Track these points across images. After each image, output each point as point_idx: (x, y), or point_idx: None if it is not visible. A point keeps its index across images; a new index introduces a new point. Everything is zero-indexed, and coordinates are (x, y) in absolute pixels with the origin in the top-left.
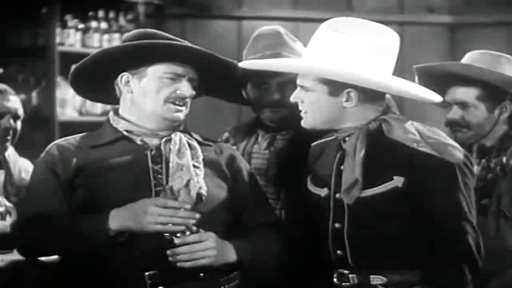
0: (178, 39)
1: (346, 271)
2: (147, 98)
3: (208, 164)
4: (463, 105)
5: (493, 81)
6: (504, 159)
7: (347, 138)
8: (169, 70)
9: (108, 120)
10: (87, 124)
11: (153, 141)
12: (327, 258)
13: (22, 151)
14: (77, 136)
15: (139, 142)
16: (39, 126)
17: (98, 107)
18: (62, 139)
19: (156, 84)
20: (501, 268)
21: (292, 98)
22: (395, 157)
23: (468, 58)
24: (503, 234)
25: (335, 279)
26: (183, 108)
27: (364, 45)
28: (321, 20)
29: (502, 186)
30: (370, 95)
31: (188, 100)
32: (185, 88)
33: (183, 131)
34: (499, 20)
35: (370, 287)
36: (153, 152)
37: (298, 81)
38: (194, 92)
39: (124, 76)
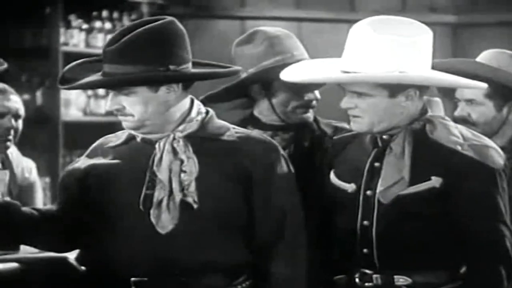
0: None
1: (369, 271)
2: None
3: (215, 164)
4: (471, 102)
5: (500, 80)
6: None
7: (384, 136)
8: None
9: None
10: (91, 124)
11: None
12: (344, 256)
13: (26, 151)
14: (116, 134)
15: (139, 140)
16: (43, 126)
17: (102, 107)
18: (106, 136)
19: None
20: None
21: (344, 104)
22: (435, 158)
23: (484, 56)
24: None
25: (357, 279)
26: (125, 117)
27: (418, 44)
28: (324, 20)
29: None
30: (421, 92)
31: (128, 109)
32: (108, 103)
33: (196, 131)
34: (502, 20)
35: None
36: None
37: (351, 88)
38: (121, 104)
39: None
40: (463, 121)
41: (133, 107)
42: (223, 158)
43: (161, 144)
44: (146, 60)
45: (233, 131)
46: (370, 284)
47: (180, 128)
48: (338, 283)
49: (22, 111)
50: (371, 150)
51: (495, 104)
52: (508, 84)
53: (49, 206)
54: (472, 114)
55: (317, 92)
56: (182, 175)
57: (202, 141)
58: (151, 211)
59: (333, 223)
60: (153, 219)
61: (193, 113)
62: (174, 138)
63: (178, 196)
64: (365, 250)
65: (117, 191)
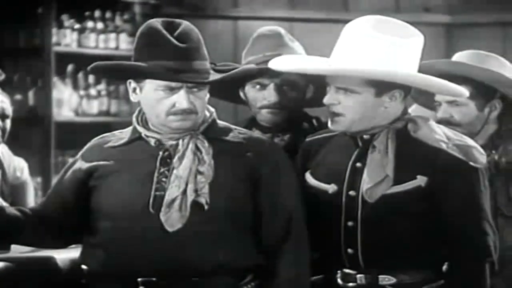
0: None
1: (352, 271)
2: (150, 109)
3: (225, 165)
4: (453, 103)
5: (482, 79)
6: (496, 157)
7: (365, 136)
8: (163, 83)
9: (133, 119)
10: (83, 124)
11: (170, 142)
12: (325, 257)
13: (18, 150)
14: (113, 133)
15: (153, 144)
16: (36, 126)
17: (94, 107)
18: (102, 135)
19: (154, 96)
20: (502, 265)
21: (327, 101)
22: (420, 157)
23: (456, 58)
24: (502, 233)
25: (339, 280)
26: (189, 115)
27: (410, 46)
28: (317, 20)
29: (496, 185)
30: (405, 93)
31: (194, 106)
32: (183, 101)
33: (204, 131)
34: (495, 20)
35: (378, 287)
36: (166, 153)
37: (337, 83)
38: (193, 102)
39: (131, 83)
40: (446, 122)
41: (200, 105)
42: (233, 159)
43: (185, 141)
44: (206, 56)
45: (237, 132)
46: (354, 284)
47: (201, 128)
48: (315, 284)
49: (9, 111)
50: (351, 151)
51: (477, 103)
52: (488, 82)
53: (39, 206)
54: (455, 115)
55: (272, 93)
56: (199, 176)
57: (210, 142)
58: (162, 210)
59: (313, 224)
60: (162, 217)
61: (207, 113)
62: (198, 138)
63: (191, 196)
64: (349, 251)
65: (123, 192)
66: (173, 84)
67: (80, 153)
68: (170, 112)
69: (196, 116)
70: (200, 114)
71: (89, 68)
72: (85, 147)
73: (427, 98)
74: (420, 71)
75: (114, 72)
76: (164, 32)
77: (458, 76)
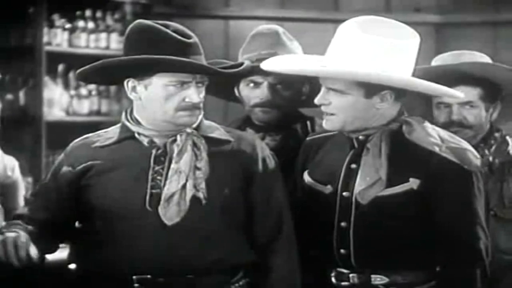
0: (187, 33)
1: (346, 271)
2: (156, 106)
3: (219, 162)
4: (467, 104)
5: (499, 79)
6: (491, 158)
7: (361, 137)
8: (175, 79)
9: (122, 118)
10: (74, 124)
11: (162, 140)
12: (320, 257)
13: (9, 150)
14: (97, 133)
15: (146, 144)
16: (26, 125)
17: (85, 107)
18: (84, 136)
19: (163, 92)
20: (493, 266)
21: (318, 101)
22: (413, 159)
23: (436, 61)
24: (493, 233)
25: (333, 279)
26: (195, 111)
27: (405, 47)
28: (308, 20)
29: (489, 186)
30: (398, 95)
31: (201, 103)
32: (194, 95)
33: (195, 128)
34: (486, 20)
35: (371, 287)
36: (159, 151)
37: (328, 84)
38: (202, 97)
39: (130, 82)
40: (460, 124)
41: (202, 101)
42: (224, 156)
43: (183, 137)
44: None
45: (223, 130)
46: (347, 283)
47: (194, 125)
48: (310, 282)
49: None
50: (347, 152)
51: (486, 105)
52: (503, 82)
53: (30, 211)
54: (468, 117)
55: (265, 92)
56: (197, 172)
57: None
58: (160, 204)
59: (308, 223)
60: (160, 211)
61: None
62: (194, 135)
63: (190, 191)
64: (342, 251)
65: (117, 190)
66: (185, 78)
67: (63, 155)
68: (180, 107)
69: (200, 112)
70: (201, 112)
71: (94, 66)
72: (69, 149)
73: (427, 98)
74: (432, 73)
75: (129, 69)
76: (165, 29)
77: (468, 77)
